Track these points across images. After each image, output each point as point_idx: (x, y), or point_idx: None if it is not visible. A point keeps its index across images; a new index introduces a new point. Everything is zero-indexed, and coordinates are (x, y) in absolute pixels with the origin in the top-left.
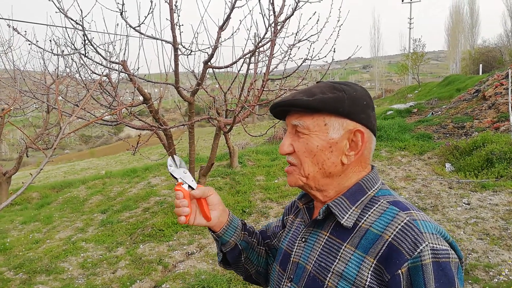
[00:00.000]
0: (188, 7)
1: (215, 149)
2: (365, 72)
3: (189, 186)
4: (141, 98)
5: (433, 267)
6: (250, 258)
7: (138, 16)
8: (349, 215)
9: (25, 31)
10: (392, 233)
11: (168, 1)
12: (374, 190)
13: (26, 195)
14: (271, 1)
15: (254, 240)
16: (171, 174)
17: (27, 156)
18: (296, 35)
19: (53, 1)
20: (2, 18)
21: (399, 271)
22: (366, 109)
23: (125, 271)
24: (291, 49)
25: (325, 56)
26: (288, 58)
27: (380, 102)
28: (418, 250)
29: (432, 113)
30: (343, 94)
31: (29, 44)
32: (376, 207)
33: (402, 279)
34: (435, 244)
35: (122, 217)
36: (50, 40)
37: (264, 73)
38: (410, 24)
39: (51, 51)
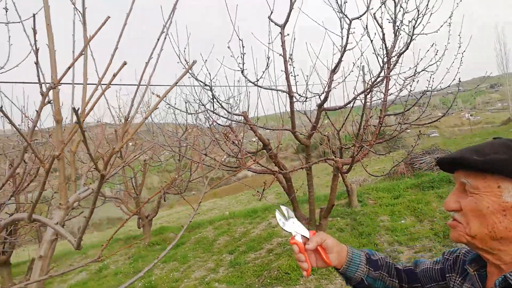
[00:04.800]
0: (299, 55)
1: (334, 190)
2: (493, 91)
3: (303, 236)
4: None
5: None
6: None
7: (255, 71)
8: None
9: (157, 95)
10: None
11: (282, 55)
12: None
13: (164, 236)
14: (383, 38)
15: (384, 274)
16: (283, 228)
17: (165, 201)
18: (416, 68)
19: (186, 70)
20: (143, 85)
21: None
22: None
23: None
24: (410, 84)
25: (448, 86)
26: (409, 94)
27: None
28: None
29: None
30: None
31: (168, 107)
32: None
33: None
34: None
35: (248, 258)
36: (186, 102)
37: (381, 109)
38: None
39: (185, 111)
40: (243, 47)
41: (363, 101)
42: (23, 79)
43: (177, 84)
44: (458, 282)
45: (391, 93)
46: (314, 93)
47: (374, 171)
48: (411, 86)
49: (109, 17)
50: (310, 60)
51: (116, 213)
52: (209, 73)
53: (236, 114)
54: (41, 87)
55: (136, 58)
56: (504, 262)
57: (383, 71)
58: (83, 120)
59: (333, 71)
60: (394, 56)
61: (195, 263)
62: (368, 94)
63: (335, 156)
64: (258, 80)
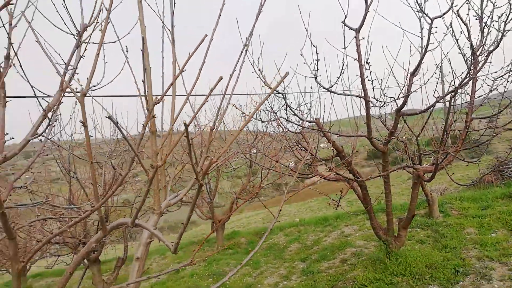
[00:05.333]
0: (373, 58)
1: (415, 199)
2: None
3: None
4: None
5: None
6: None
7: (328, 77)
8: None
9: (233, 104)
10: None
11: (357, 59)
12: None
13: (236, 240)
14: (468, 37)
15: None
16: None
17: (237, 206)
18: (510, 67)
19: (281, 79)
20: (219, 94)
21: None
22: None
23: None
24: (504, 85)
25: None
26: (502, 96)
27: None
28: None
29: None
30: None
31: (243, 116)
32: None
33: None
34: None
35: (321, 267)
36: (260, 111)
37: (467, 113)
38: None
39: (260, 119)
40: (317, 53)
41: (446, 104)
42: (110, 93)
43: (249, 93)
44: None
45: (479, 96)
46: (391, 98)
47: (456, 179)
48: (505, 87)
49: (206, 35)
50: (387, 63)
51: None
52: (283, 82)
53: (308, 121)
54: (147, 103)
55: (210, 71)
56: None
57: (469, 71)
58: (170, 132)
59: (413, 74)
60: (481, 55)
61: (267, 269)
62: (453, 98)
63: (413, 163)
64: (332, 86)
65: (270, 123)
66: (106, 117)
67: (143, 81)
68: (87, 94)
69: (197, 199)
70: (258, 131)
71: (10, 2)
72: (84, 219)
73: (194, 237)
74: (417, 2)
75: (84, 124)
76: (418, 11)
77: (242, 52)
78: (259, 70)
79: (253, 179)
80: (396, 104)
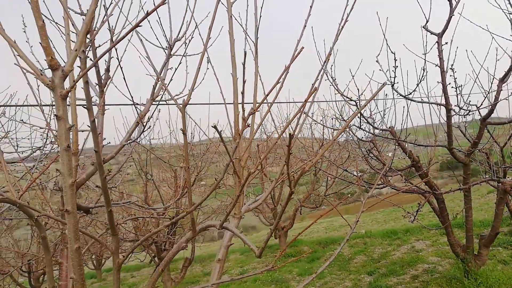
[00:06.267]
0: (458, 65)
1: (499, 215)
2: None
3: None
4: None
5: None
6: None
7: (404, 84)
8: None
9: (305, 113)
10: None
11: (439, 65)
12: None
13: (299, 248)
14: None
15: None
16: None
17: (300, 213)
18: None
19: (380, 88)
20: (291, 102)
21: None
22: None
23: None
24: None
25: None
26: None
27: None
28: None
29: None
30: None
31: (315, 124)
32: None
33: None
34: None
35: (390, 283)
36: (324, 116)
37: None
38: None
39: (331, 126)
40: (395, 60)
41: None
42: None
43: (318, 101)
44: None
45: None
46: (474, 105)
47: None
48: None
49: (303, 47)
50: (471, 68)
51: (251, 222)
52: (358, 89)
53: (382, 130)
54: (243, 112)
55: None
56: None
57: None
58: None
59: (502, 80)
60: None
61: (331, 280)
62: None
63: (497, 176)
64: (410, 94)
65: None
66: (212, 126)
67: (242, 93)
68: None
69: (261, 206)
70: (325, 138)
71: (138, 25)
72: (178, 220)
73: (255, 242)
74: (509, 3)
75: (184, 132)
76: (509, 13)
77: (323, 65)
78: (332, 78)
79: (317, 187)
80: (479, 113)
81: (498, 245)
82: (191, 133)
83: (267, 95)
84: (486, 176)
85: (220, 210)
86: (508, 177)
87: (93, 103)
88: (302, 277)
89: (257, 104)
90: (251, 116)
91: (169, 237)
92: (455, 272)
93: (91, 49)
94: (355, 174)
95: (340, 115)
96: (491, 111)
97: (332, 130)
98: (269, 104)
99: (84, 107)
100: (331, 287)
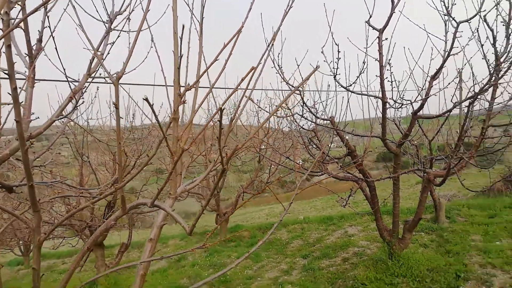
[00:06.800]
0: (394, 61)
1: (423, 203)
2: None
3: None
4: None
5: None
6: None
7: (346, 76)
8: None
9: (250, 98)
10: None
11: (378, 60)
12: None
13: (239, 234)
14: (493, 43)
15: None
16: None
17: (243, 199)
18: None
19: (311, 73)
20: (228, 88)
21: None
22: None
23: None
24: None
25: None
26: None
27: None
28: None
29: None
30: None
31: (259, 111)
32: None
33: None
34: None
35: (322, 265)
36: (270, 105)
37: (484, 120)
38: None
39: (275, 114)
40: (338, 52)
41: (464, 109)
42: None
43: (266, 89)
44: None
45: (498, 103)
46: (408, 100)
47: (466, 186)
48: None
49: (243, 25)
50: (407, 65)
51: (193, 208)
52: (302, 77)
53: (323, 119)
54: (179, 89)
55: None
56: None
57: (491, 77)
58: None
59: (433, 77)
60: (505, 62)
61: (268, 263)
62: (473, 103)
63: (424, 167)
64: (350, 85)
65: (283, 119)
66: (144, 98)
67: (178, 68)
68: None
69: (203, 191)
70: (270, 127)
71: None
72: (98, 201)
73: (197, 228)
74: (444, 5)
75: (116, 106)
76: (444, 14)
77: (268, 47)
78: (278, 66)
79: (261, 175)
80: (413, 107)
81: (421, 231)
82: (132, 114)
83: (205, 71)
84: (415, 167)
85: (161, 196)
86: (435, 169)
87: (21, 74)
88: None
89: (198, 82)
90: (193, 95)
91: (104, 221)
92: (381, 255)
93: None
94: (297, 162)
95: (286, 103)
96: (421, 106)
97: (279, 118)
98: (212, 84)
99: (4, 73)
100: (267, 270)
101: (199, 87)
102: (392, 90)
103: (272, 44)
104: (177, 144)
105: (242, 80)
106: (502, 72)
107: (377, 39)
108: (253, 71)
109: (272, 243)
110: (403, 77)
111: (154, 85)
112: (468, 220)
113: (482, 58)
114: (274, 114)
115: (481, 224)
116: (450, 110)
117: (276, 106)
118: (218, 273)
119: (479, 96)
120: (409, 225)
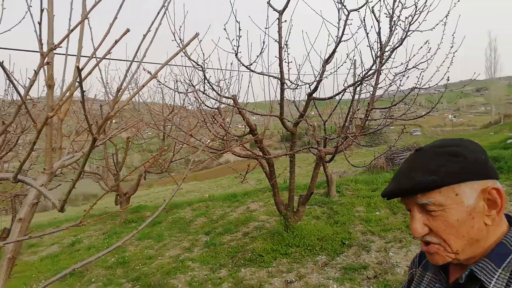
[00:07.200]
0: (292, 41)
1: (315, 178)
2: (479, 95)
3: None
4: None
5: None
6: None
7: (249, 55)
8: (496, 279)
9: (149, 71)
10: None
11: (278, 41)
12: None
13: (141, 214)
14: (378, 32)
15: None
16: None
17: (145, 179)
18: (407, 64)
19: (187, 43)
20: (136, 61)
21: None
22: (487, 162)
23: None
24: (400, 79)
25: (436, 84)
26: (397, 89)
27: (498, 128)
28: None
29: None
30: (463, 159)
31: (159, 85)
32: None
33: None
34: None
35: (224, 240)
36: (176, 81)
37: (368, 103)
38: None
39: (175, 89)
40: (239, 29)
41: (352, 93)
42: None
43: (169, 64)
44: (419, 273)
45: (380, 87)
46: (304, 82)
47: (352, 163)
48: (400, 80)
49: None
50: (305, 49)
51: (93, 189)
52: (203, 54)
53: (225, 97)
54: (41, 48)
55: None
56: (470, 259)
57: (375, 64)
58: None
59: (326, 62)
60: (387, 51)
61: (170, 242)
62: (358, 87)
63: (319, 146)
64: (251, 64)
65: (187, 96)
66: None
67: (39, 23)
68: None
69: (102, 171)
70: (175, 105)
71: None
72: None
73: (95, 210)
74: None
75: None
76: (337, 2)
77: (158, 14)
78: (180, 39)
79: (165, 153)
80: (310, 89)
81: (315, 204)
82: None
83: (75, 27)
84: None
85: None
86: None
87: None
88: (141, 242)
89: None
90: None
91: None
92: (278, 228)
93: None
94: (202, 141)
95: (190, 80)
96: (316, 88)
97: (184, 96)
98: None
99: None
100: (168, 249)
101: (95, 57)
102: (289, 72)
103: (166, 8)
104: (57, 110)
105: (116, 42)
106: (384, 60)
107: (277, 20)
108: (143, 39)
109: (175, 222)
110: (303, 61)
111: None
112: (354, 194)
113: (367, 46)
114: (178, 91)
115: (364, 197)
116: (339, 93)
117: (177, 81)
118: (101, 252)
119: (366, 82)
120: (302, 199)
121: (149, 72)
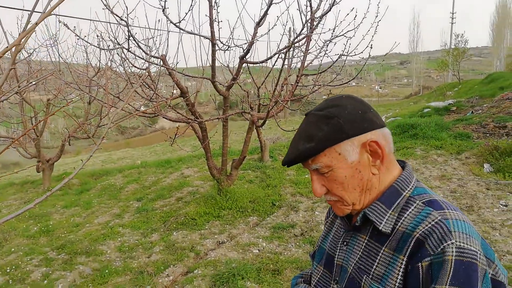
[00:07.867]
0: (225, 2)
1: (247, 142)
2: (402, 68)
3: None
4: (177, 91)
5: (455, 264)
6: None
7: (178, 12)
8: (386, 219)
9: (74, 27)
10: (421, 230)
11: None
12: (409, 190)
13: (67, 181)
14: None
15: None
16: None
17: (69, 145)
18: (334, 31)
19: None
20: (53, 14)
21: (420, 264)
22: (364, 115)
23: (159, 256)
24: (327, 45)
25: (362, 52)
26: (324, 54)
27: (418, 99)
28: (442, 247)
29: (472, 111)
30: (337, 120)
31: (78, 39)
32: (412, 209)
33: (421, 272)
34: (463, 243)
35: (156, 206)
36: (98, 36)
37: (299, 69)
38: (453, 18)
39: (98, 45)
40: None
41: (283, 58)
42: None
43: (92, 19)
44: (330, 220)
45: (310, 52)
46: (237, 45)
47: (282, 128)
48: (327, 46)
49: None
50: (237, 10)
51: (12, 157)
52: (126, 7)
53: (154, 57)
54: None
55: None
56: (366, 203)
57: (305, 28)
58: None
59: (258, 24)
60: (317, 17)
61: (99, 209)
62: (288, 51)
63: (252, 111)
64: (180, 22)
65: (112, 56)
66: None
67: None
68: None
69: (22, 136)
70: (101, 66)
71: None
72: None
73: (16, 179)
74: None
75: None
76: None
77: None
78: None
79: (92, 118)
80: (243, 51)
81: (249, 169)
82: None
83: None
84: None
85: None
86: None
87: None
88: (67, 209)
89: None
90: None
91: None
92: (212, 192)
93: None
94: (135, 107)
95: (115, 38)
96: (247, 51)
97: (110, 56)
98: None
99: None
100: (97, 216)
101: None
102: (219, 32)
103: None
104: None
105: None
106: (314, 25)
107: None
108: None
109: (105, 189)
110: (237, 24)
111: None
112: None
113: (297, 9)
114: (100, 47)
115: None
116: (271, 57)
117: (102, 39)
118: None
119: (297, 47)
120: (235, 163)
121: (65, 25)
